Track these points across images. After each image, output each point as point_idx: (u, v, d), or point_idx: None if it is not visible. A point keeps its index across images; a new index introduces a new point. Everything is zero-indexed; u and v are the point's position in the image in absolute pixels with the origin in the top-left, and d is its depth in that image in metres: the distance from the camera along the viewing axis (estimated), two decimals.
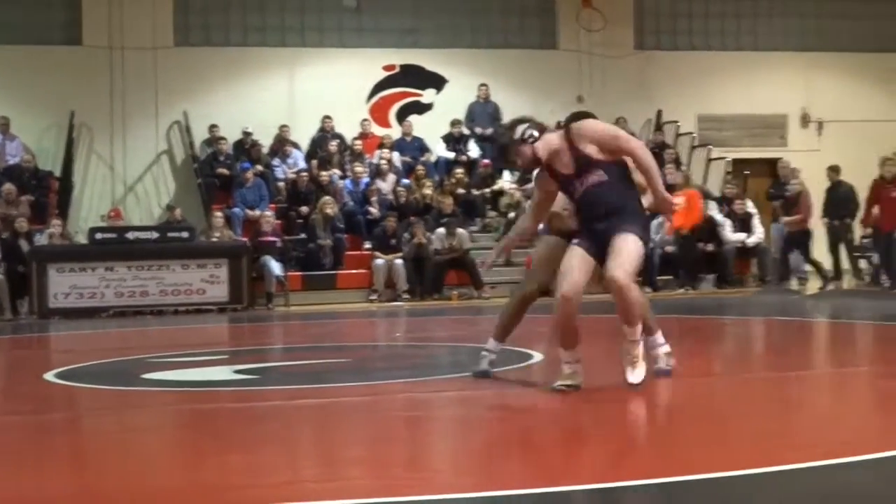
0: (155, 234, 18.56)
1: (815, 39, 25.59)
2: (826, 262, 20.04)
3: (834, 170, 20.20)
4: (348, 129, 22.61)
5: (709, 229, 19.86)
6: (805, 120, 25.62)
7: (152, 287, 17.98)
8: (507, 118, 22.82)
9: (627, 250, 6.94)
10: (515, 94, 23.50)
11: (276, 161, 21.82)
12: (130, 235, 18.42)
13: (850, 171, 20.36)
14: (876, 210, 18.23)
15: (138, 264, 17.95)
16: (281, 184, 21.33)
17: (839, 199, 20.08)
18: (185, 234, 18.65)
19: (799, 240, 19.30)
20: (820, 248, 20.23)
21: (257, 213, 19.89)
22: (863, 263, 20.04)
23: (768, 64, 25.22)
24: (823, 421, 6.20)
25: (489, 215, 21.67)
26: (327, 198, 19.85)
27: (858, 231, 20.26)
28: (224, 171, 21.15)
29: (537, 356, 9.18)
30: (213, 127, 21.82)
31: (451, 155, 22.66)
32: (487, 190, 21.94)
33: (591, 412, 6.65)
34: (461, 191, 21.52)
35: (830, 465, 4.77)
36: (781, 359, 9.62)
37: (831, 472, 4.69)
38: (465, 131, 22.95)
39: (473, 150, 22.85)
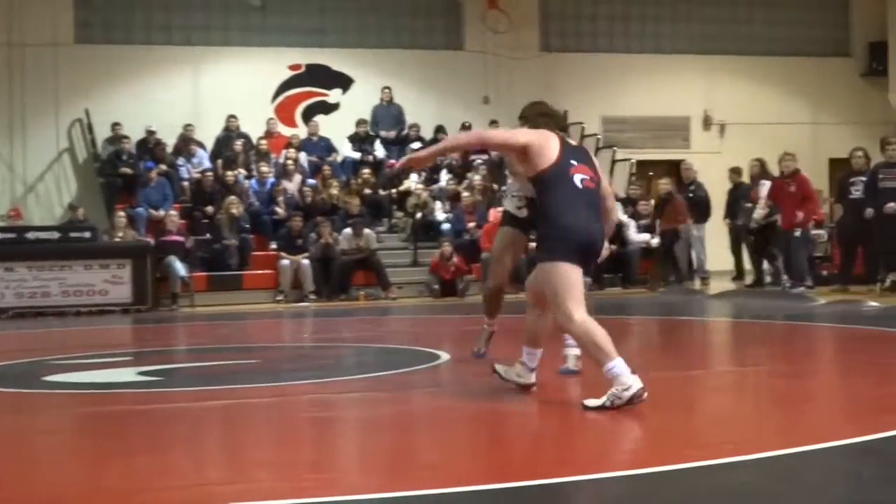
0: (56, 234, 18.28)
1: (716, 43, 25.96)
2: (728, 262, 20.35)
3: (735, 171, 20.50)
4: (254, 128, 22.47)
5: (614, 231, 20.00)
6: (707, 122, 25.96)
7: (54, 288, 17.72)
8: (411, 120, 23.00)
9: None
10: (421, 94, 23.59)
11: (180, 160, 21.63)
12: (31, 235, 18.13)
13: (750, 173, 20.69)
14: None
15: (39, 265, 17.68)
16: (185, 183, 21.15)
17: (740, 200, 20.37)
18: (87, 234, 18.39)
19: (671, 240, 19.49)
20: (723, 249, 20.52)
21: (161, 213, 19.69)
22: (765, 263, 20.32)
23: (671, 67, 25.54)
24: (724, 419, 6.27)
25: (396, 216, 21.67)
26: (232, 197, 19.71)
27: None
28: (127, 170, 20.91)
29: (444, 356, 9.19)
30: (115, 125, 21.56)
31: (357, 155, 22.64)
32: (394, 190, 21.94)
33: (493, 412, 6.67)
34: (368, 191, 21.49)
35: (725, 463, 4.83)
36: (681, 358, 9.73)
37: (726, 470, 4.75)
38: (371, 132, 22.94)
39: (379, 150, 22.84)
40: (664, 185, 19.98)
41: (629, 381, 6.23)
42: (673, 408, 6.71)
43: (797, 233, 17.04)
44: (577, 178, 6.74)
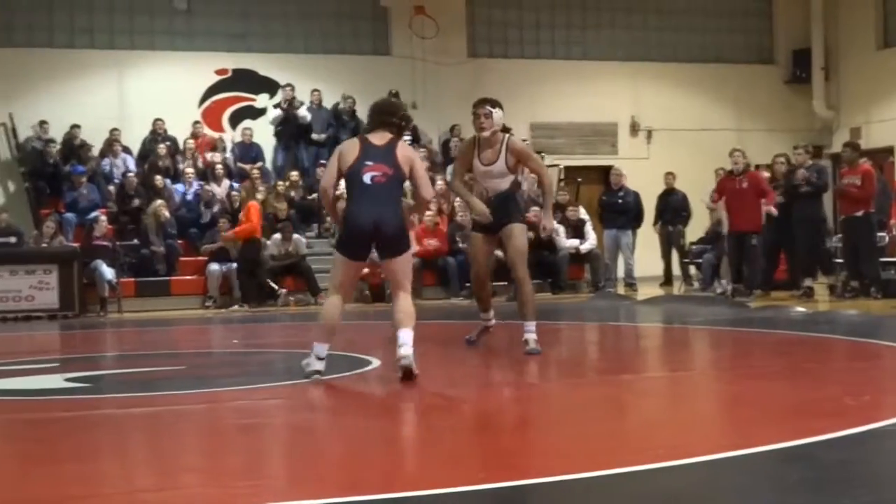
0: None
1: (642, 50, 26.19)
2: (657, 267, 20.54)
3: (671, 175, 20.69)
4: (181, 132, 22.27)
5: (543, 237, 20.09)
6: (634, 128, 26.16)
7: None
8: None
9: None
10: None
11: (105, 163, 21.39)
12: None
13: (679, 179, 20.92)
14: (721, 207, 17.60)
15: None
16: (112, 187, 20.93)
17: (673, 206, 20.56)
18: (12, 240, 18.16)
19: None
20: (654, 254, 20.71)
21: (91, 217, 19.43)
22: (692, 269, 20.53)
23: (598, 73, 25.71)
24: (655, 424, 6.32)
25: (326, 221, 21.58)
26: (159, 201, 19.53)
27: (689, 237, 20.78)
28: (56, 168, 20.71)
29: (375, 362, 9.18)
30: (42, 123, 21.30)
31: (277, 113, 22.49)
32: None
33: (421, 417, 6.67)
34: (294, 195, 21.33)
35: (660, 468, 4.86)
36: (611, 363, 9.79)
37: (657, 474, 4.77)
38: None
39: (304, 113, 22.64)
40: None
41: (312, 363, 7.98)
42: (603, 412, 6.76)
43: (754, 239, 16.76)
44: (367, 176, 8.06)
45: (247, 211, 19.15)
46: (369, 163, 8.06)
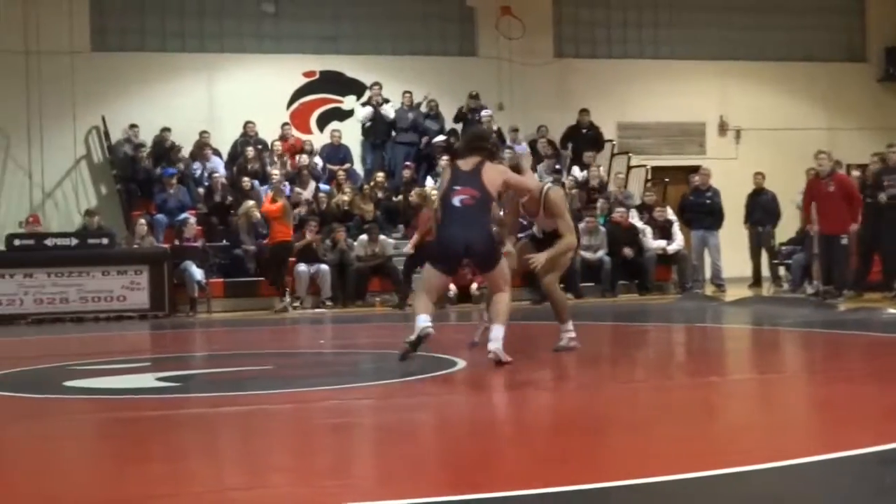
0: (74, 241, 18.31)
1: (731, 48, 25.93)
2: (746, 268, 20.35)
3: (760, 175, 20.47)
4: (269, 135, 22.46)
5: (630, 236, 20.01)
6: (723, 128, 25.91)
7: (72, 294, 17.76)
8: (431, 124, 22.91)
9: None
10: (438, 101, 23.44)
11: (196, 165, 21.62)
12: (49, 242, 18.16)
13: (768, 179, 20.69)
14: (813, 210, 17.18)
15: (58, 271, 17.73)
16: (201, 189, 21.15)
17: (762, 206, 20.31)
18: (104, 241, 18.43)
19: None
20: (742, 255, 20.50)
21: (181, 218, 19.66)
22: (782, 270, 20.29)
23: (685, 72, 25.50)
24: (746, 427, 6.23)
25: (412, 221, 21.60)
26: (251, 202, 19.66)
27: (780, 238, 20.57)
28: (147, 169, 20.96)
29: (461, 363, 9.17)
30: (132, 126, 21.60)
31: (368, 111, 22.58)
32: (412, 195, 21.73)
33: (513, 418, 6.65)
34: (381, 196, 21.38)
35: (757, 469, 4.79)
36: (700, 365, 9.69)
37: (758, 476, 4.71)
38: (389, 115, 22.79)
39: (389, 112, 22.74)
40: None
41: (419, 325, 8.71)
42: (693, 415, 6.68)
43: (843, 239, 16.53)
44: (456, 199, 8.87)
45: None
46: (458, 187, 8.91)
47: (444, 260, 9.01)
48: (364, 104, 22.96)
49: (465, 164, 9.10)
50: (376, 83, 22.79)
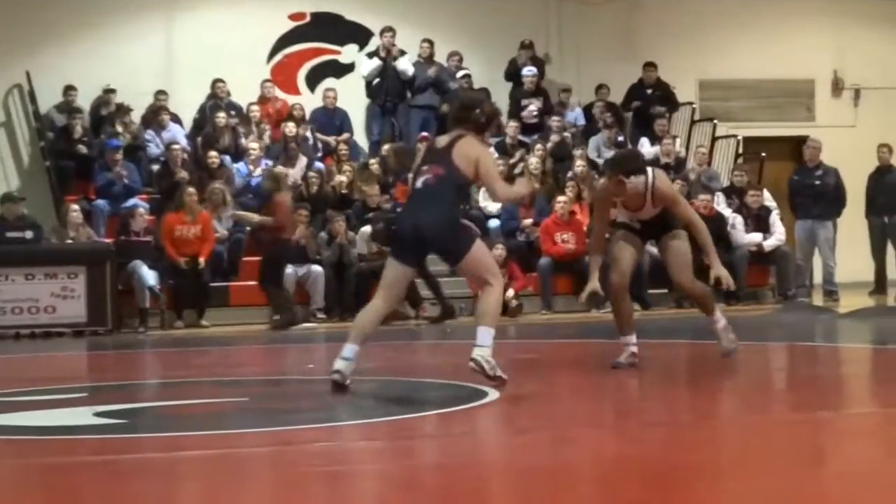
0: None
1: None
2: (867, 270, 20.26)
3: (886, 148, 20.35)
4: (244, 96, 22.50)
5: (715, 229, 19.97)
6: (837, 86, 25.87)
7: None
8: (455, 86, 22.90)
9: None
10: (463, 52, 23.43)
11: (149, 135, 21.62)
12: None
13: None
14: None
15: None
16: (156, 167, 21.14)
17: (889, 189, 20.21)
18: (28, 234, 18.44)
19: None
20: (862, 252, 20.44)
21: (128, 205, 19.63)
22: None
23: (788, 15, 25.48)
24: (867, 475, 6.23)
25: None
26: (216, 185, 19.62)
27: None
28: (82, 149, 20.94)
29: (491, 394, 9.17)
30: (69, 89, 21.64)
31: (375, 64, 22.62)
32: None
33: (557, 465, 6.66)
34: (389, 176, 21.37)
35: None
36: (809, 396, 9.68)
37: None
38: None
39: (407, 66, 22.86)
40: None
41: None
42: (797, 459, 6.68)
43: None
44: (420, 181, 9.44)
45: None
46: (425, 167, 9.50)
47: (398, 248, 9.61)
48: (371, 55, 22.91)
49: (443, 139, 9.66)
50: (388, 28, 22.77)
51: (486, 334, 9.14)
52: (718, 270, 10.72)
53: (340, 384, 9.38)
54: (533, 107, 22.99)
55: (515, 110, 22.92)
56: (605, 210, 11.05)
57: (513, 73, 23.30)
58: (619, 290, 10.76)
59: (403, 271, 9.62)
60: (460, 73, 22.70)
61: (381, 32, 22.92)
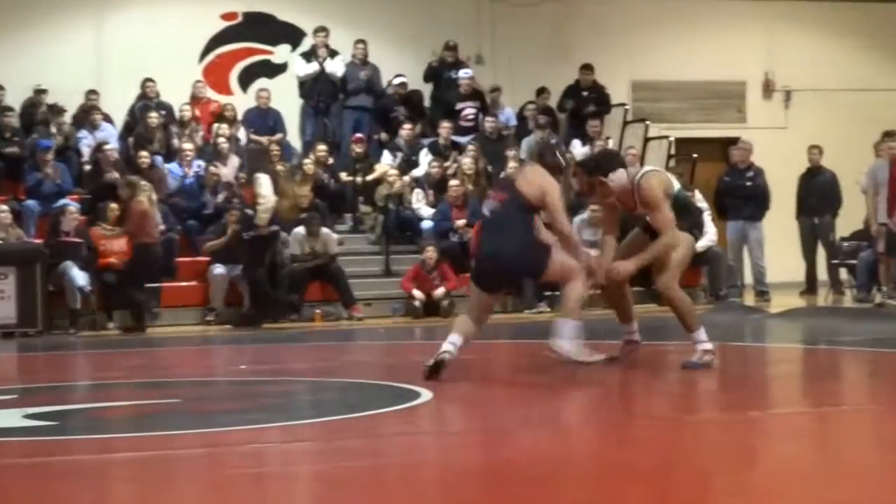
0: None
1: None
2: (798, 270, 20.39)
3: (817, 150, 20.45)
4: (176, 96, 22.39)
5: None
6: (768, 88, 25.99)
7: None
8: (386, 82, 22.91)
9: None
10: (396, 53, 23.47)
11: (81, 135, 21.49)
12: None
13: (827, 155, 20.75)
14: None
15: None
16: (88, 167, 21.03)
17: (819, 190, 20.34)
18: None
19: None
20: (793, 253, 20.56)
21: (59, 205, 19.49)
22: (844, 273, 20.38)
23: (720, 16, 25.56)
24: (795, 475, 6.27)
25: (362, 210, 21.60)
26: (144, 183, 19.46)
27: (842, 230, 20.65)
28: (13, 150, 20.79)
29: (425, 394, 9.18)
30: None
31: (312, 69, 22.53)
32: (370, 177, 21.68)
33: (491, 465, 6.67)
34: (324, 176, 21.30)
35: None
36: (739, 396, 9.73)
37: None
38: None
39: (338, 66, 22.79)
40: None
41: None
42: (725, 459, 6.71)
43: None
44: (487, 209, 10.23)
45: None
46: (491, 193, 10.43)
47: (478, 276, 10.23)
48: (307, 57, 22.76)
49: (515, 171, 10.86)
50: (321, 28, 22.72)
51: (566, 325, 9.86)
52: (623, 264, 10.52)
53: (439, 365, 9.71)
54: (470, 109, 22.99)
55: (448, 112, 22.91)
56: (610, 215, 11.03)
57: (431, 74, 23.31)
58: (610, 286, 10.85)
59: (486, 298, 10.24)
60: (397, 80, 22.69)
61: (315, 32, 22.85)
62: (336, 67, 22.55)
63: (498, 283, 10.42)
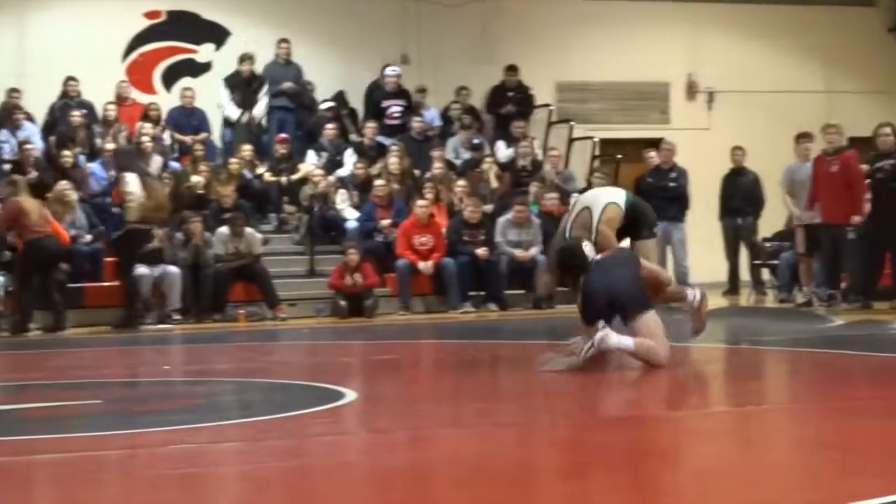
0: None
1: None
2: (720, 270, 20.51)
3: (739, 151, 20.55)
4: (99, 95, 22.26)
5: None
6: (692, 90, 26.13)
7: None
8: (313, 80, 22.85)
9: None
10: (321, 52, 23.46)
11: (3, 135, 21.33)
12: None
13: (750, 156, 20.88)
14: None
15: None
16: (7, 167, 20.88)
17: (742, 191, 20.44)
18: None
19: None
20: (716, 254, 20.67)
21: None
22: (766, 273, 20.49)
23: (645, 19, 25.69)
24: (716, 474, 6.29)
25: (286, 210, 21.55)
26: (64, 183, 19.31)
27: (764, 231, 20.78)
28: None
29: (350, 395, 9.17)
30: None
31: (237, 113, 22.34)
32: (294, 177, 21.61)
33: (419, 464, 6.66)
34: (248, 175, 21.26)
35: None
36: (660, 396, 9.76)
37: None
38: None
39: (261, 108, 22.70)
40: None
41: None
42: (647, 460, 6.73)
43: (850, 232, 16.82)
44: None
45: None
46: None
47: (587, 311, 10.63)
48: (231, 87, 22.61)
49: None
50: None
51: (625, 340, 10.30)
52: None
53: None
54: (396, 108, 22.99)
55: (375, 112, 22.93)
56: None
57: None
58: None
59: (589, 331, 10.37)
60: (323, 105, 22.65)
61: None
62: (259, 112, 22.59)
63: (598, 316, 10.44)
